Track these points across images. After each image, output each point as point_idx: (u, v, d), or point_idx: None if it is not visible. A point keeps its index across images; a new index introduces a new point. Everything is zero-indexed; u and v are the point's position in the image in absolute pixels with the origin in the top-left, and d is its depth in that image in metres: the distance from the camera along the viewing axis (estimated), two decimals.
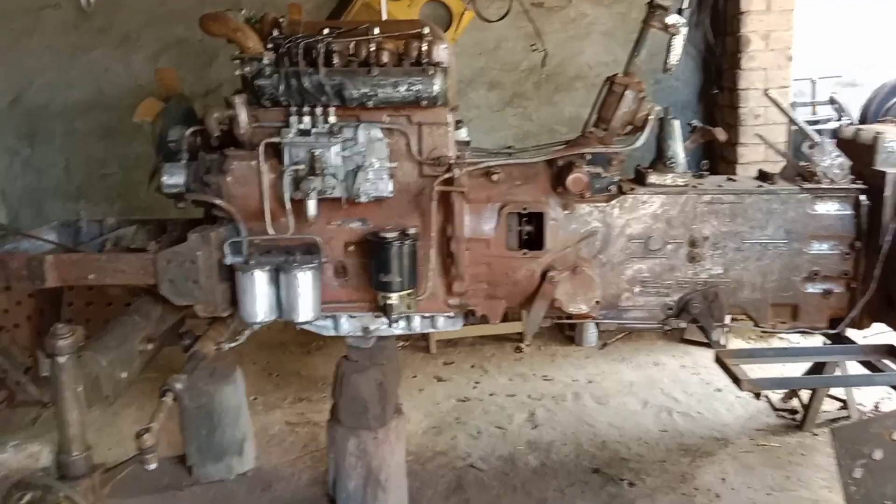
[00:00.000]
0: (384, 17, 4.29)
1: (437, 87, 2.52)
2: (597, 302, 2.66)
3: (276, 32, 2.72)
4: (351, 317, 2.80)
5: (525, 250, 2.62)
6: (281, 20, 2.80)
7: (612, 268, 2.70)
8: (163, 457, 3.56)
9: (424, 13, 4.69)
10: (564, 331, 4.81)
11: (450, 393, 4.22)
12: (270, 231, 2.56)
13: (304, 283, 2.52)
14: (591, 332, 4.61)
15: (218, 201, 2.55)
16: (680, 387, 4.24)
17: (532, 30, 4.76)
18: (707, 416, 3.92)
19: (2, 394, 4.07)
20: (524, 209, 2.59)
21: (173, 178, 2.58)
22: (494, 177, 2.62)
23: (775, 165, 4.75)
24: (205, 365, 2.76)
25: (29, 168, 4.82)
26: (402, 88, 2.52)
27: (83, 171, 4.84)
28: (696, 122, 3.04)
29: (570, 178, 2.52)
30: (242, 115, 2.55)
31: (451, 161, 2.61)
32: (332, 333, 2.84)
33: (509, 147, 4.95)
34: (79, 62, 4.66)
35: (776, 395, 4.02)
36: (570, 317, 2.73)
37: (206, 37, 4.70)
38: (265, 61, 2.53)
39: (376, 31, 2.64)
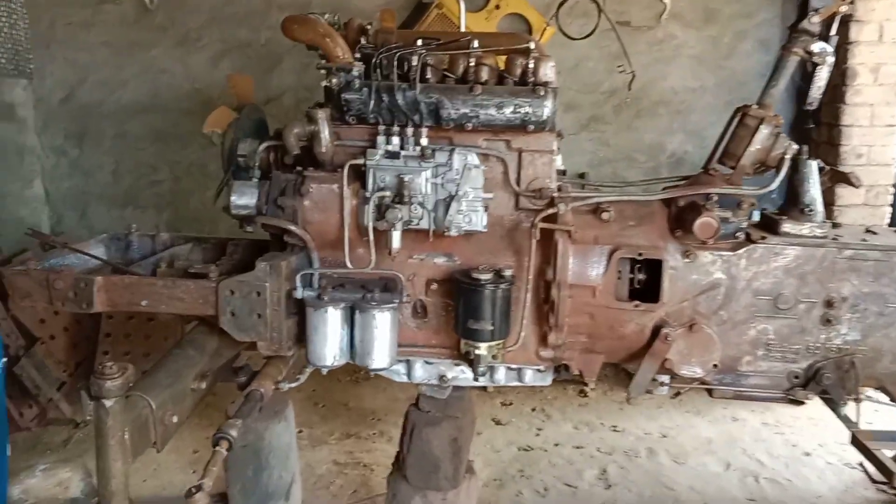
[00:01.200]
0: (462, 28, 3.98)
1: (546, 111, 2.21)
2: (714, 365, 2.31)
3: (363, 41, 2.44)
4: (427, 363, 2.48)
5: (637, 302, 2.28)
6: (368, 27, 2.52)
7: (734, 326, 2.34)
8: None
9: (502, 27, 4.39)
10: (632, 374, 4.44)
11: (510, 439, 3.87)
12: (349, 264, 2.25)
13: (383, 324, 2.21)
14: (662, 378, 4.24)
15: (292, 227, 2.26)
16: (763, 447, 3.86)
17: (615, 50, 4.42)
18: (797, 483, 3.53)
19: (32, 411, 3.82)
20: (639, 254, 2.25)
21: (243, 199, 2.29)
22: (605, 215, 2.29)
23: (874, 211, 4.39)
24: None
25: (76, 170, 4.59)
26: (508, 110, 2.21)
27: (132, 176, 4.60)
28: (820, 164, 2.68)
29: (700, 223, 2.17)
30: (325, 132, 2.26)
31: (554, 194, 2.29)
32: (405, 380, 2.52)
33: (581, 174, 4.65)
34: (135, 60, 4.43)
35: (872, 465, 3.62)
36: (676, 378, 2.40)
37: (270, 41, 4.49)
38: (354, 73, 2.23)
39: (475, 44, 2.35)
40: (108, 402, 1.90)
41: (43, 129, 4.52)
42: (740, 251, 2.30)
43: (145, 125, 4.50)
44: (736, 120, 2.37)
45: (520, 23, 4.42)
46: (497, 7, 4.33)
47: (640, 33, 4.55)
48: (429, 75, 2.30)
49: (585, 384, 4.44)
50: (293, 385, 2.52)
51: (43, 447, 3.63)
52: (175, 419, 2.17)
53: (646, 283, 2.30)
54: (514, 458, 3.68)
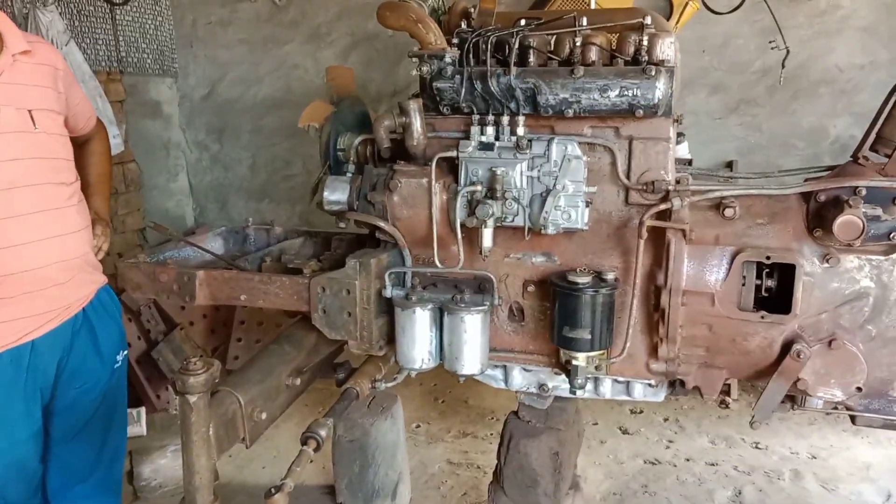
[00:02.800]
0: (593, 4, 3.73)
1: (658, 93, 1.95)
2: (858, 388, 1.97)
3: (464, 25, 2.29)
4: (525, 369, 2.31)
5: (764, 312, 1.97)
6: (472, 10, 2.36)
7: (885, 344, 1.98)
8: (313, 484, 3.35)
9: (639, 3, 4.06)
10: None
11: (637, 450, 3.59)
12: (438, 262, 2.13)
13: (472, 328, 2.07)
14: None
15: (381, 223, 2.17)
16: None
17: (769, 24, 3.97)
18: None
19: (169, 394, 4.04)
20: (767, 258, 1.95)
21: (335, 194, 2.22)
22: (728, 211, 2.00)
23: None
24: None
25: (217, 163, 4.80)
26: (613, 94, 1.98)
27: (268, 170, 4.75)
28: None
29: (841, 221, 1.84)
30: (417, 124, 2.14)
31: (670, 187, 2.03)
32: (502, 386, 2.37)
33: (729, 163, 4.23)
34: (270, 56, 4.55)
35: None
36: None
37: (397, 33, 4.45)
38: (447, 59, 2.10)
39: (584, 21, 2.12)
40: (192, 398, 1.89)
41: (187, 125, 4.77)
42: (894, 256, 1.93)
43: (280, 120, 4.63)
44: (894, 99, 1.99)
45: None
46: None
47: (799, 4, 4.04)
48: (531, 59, 2.12)
49: (728, 393, 4.06)
50: (390, 385, 2.43)
51: (178, 428, 3.80)
52: (264, 416, 2.14)
53: (775, 290, 1.99)
54: (638, 472, 3.41)
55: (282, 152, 4.68)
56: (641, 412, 3.97)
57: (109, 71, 4.05)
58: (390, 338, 2.24)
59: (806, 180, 2.16)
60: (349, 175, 2.27)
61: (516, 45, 2.04)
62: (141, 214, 4.48)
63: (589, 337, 1.97)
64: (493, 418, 3.89)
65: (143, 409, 3.75)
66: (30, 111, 2.04)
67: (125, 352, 2.43)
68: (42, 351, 2.11)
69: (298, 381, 2.32)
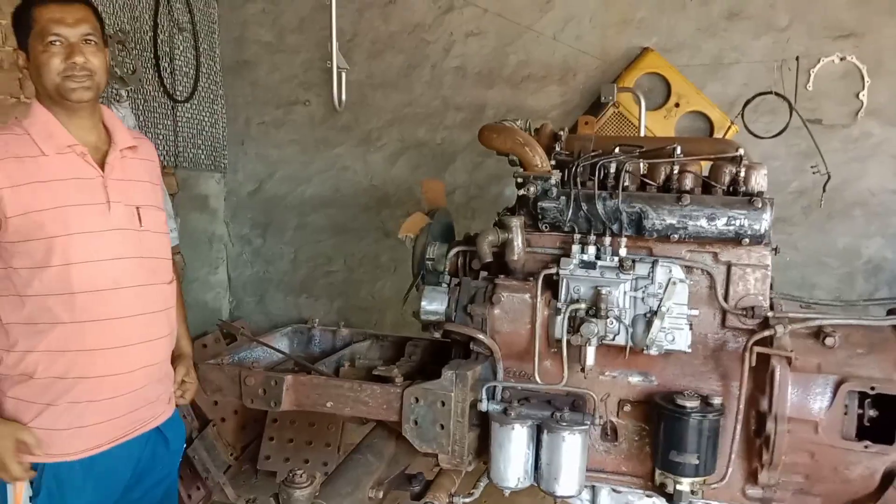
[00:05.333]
0: (642, 128, 3.90)
1: (765, 223, 2.06)
2: None
3: (557, 147, 2.40)
4: (615, 491, 2.28)
5: (867, 442, 1.98)
6: (560, 133, 2.47)
7: None
8: None
9: (682, 125, 4.24)
10: None
11: None
12: (537, 378, 2.14)
13: (573, 447, 2.06)
14: None
15: (480, 336, 2.19)
16: None
17: (804, 148, 4.14)
18: None
19: (200, 493, 3.92)
20: (872, 388, 1.98)
21: (433, 304, 2.25)
22: (829, 340, 2.04)
23: None
24: None
25: (258, 258, 4.84)
26: (720, 222, 2.06)
27: (309, 265, 4.79)
28: None
29: None
30: (518, 240, 2.20)
31: (769, 314, 2.08)
32: None
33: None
34: (320, 157, 4.68)
35: None
36: None
37: (445, 140, 4.61)
38: (552, 181, 2.18)
39: (678, 150, 2.23)
40: None
41: (231, 219, 4.83)
42: None
43: (325, 218, 4.70)
44: None
45: (701, 121, 4.26)
46: (677, 105, 4.20)
47: (834, 131, 4.24)
48: (626, 182, 2.20)
49: None
50: (467, 500, 2.39)
51: None
52: None
53: (878, 420, 2.01)
54: None
55: (325, 249, 4.73)
56: None
57: (165, 165, 4.13)
58: (478, 452, 2.22)
59: (889, 311, 2.22)
60: (445, 286, 2.30)
61: (625, 172, 2.13)
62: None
63: (697, 462, 1.97)
64: None
65: None
66: (137, 207, 2.02)
67: (184, 444, 2.35)
68: (118, 457, 2.03)
69: (381, 494, 2.28)
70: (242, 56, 4.71)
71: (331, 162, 4.64)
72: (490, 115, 4.45)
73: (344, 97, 3.86)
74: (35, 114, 1.96)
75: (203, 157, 4.47)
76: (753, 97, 4.04)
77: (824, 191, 3.97)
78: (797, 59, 4.07)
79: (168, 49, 4.10)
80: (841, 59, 4.13)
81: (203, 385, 2.45)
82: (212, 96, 4.56)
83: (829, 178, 3.91)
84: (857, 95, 4.16)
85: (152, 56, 4.01)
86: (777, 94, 3.98)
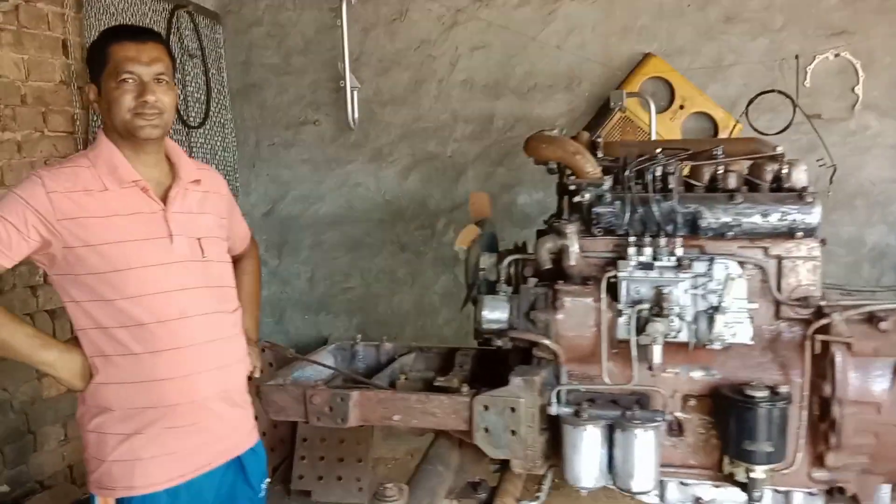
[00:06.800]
0: (653, 132, 4.00)
1: (817, 216, 2.13)
2: None
3: (599, 154, 2.47)
4: (682, 483, 2.34)
5: None
6: (598, 140, 2.55)
7: None
8: None
9: (687, 127, 4.36)
10: None
11: None
12: (606, 379, 2.20)
13: (646, 444, 2.11)
14: None
15: (546, 341, 2.24)
16: None
17: (805, 143, 4.27)
18: None
19: None
20: None
21: (495, 314, 2.30)
22: (883, 324, 2.13)
23: None
24: None
25: (275, 278, 4.85)
26: (774, 218, 2.15)
27: (326, 283, 4.81)
28: None
29: None
30: (574, 246, 2.26)
31: (821, 303, 2.16)
32: (656, 502, 2.39)
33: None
34: (333, 175, 4.71)
35: None
36: None
37: (455, 152, 4.67)
38: (605, 187, 2.25)
39: (718, 151, 2.32)
40: None
41: None
42: None
43: (340, 236, 4.73)
44: None
45: (705, 121, 4.38)
46: (681, 107, 4.31)
47: (833, 125, 4.38)
48: (671, 184, 2.28)
49: None
50: None
51: None
52: None
53: None
54: None
55: (342, 266, 4.76)
56: None
57: None
58: (548, 455, 2.27)
59: None
60: (505, 296, 2.35)
61: (677, 175, 2.20)
62: None
63: (770, 450, 2.04)
64: None
65: None
66: (199, 239, 2.04)
67: (268, 479, 2.36)
68: (201, 487, 2.03)
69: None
70: (250, 79, 4.74)
71: (343, 179, 4.68)
72: (499, 126, 4.53)
73: (357, 115, 3.91)
74: (101, 147, 1.98)
75: None
76: (757, 96, 4.16)
77: (831, 182, 4.10)
78: (797, 57, 4.22)
79: (181, 76, 4.11)
80: (835, 56, 4.29)
81: (266, 408, 2.46)
82: (221, 121, 4.58)
83: (835, 169, 4.05)
84: (853, 90, 4.32)
85: None
86: (780, 91, 4.11)
